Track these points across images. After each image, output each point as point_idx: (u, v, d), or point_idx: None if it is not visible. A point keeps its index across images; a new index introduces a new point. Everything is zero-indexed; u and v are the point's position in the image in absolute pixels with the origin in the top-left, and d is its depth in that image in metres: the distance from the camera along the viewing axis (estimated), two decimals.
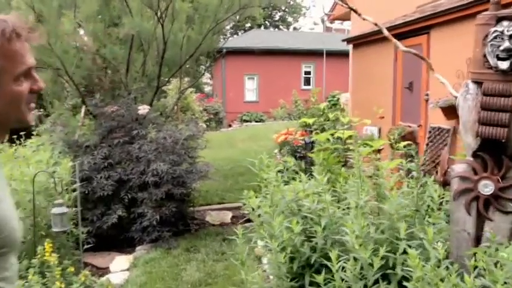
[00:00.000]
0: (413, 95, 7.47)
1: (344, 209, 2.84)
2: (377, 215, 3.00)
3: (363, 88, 9.30)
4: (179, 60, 8.21)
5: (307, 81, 26.44)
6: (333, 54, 24.49)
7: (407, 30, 7.22)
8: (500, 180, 3.00)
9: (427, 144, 6.80)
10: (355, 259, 2.39)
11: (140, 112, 6.82)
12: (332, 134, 4.13)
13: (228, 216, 7.80)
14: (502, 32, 2.85)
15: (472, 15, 5.98)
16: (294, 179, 3.28)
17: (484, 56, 2.94)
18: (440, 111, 6.27)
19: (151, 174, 6.07)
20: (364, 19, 3.61)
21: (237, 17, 9.59)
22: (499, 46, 2.84)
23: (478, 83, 3.02)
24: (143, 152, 6.27)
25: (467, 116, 3.08)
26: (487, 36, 2.91)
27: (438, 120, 6.59)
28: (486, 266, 2.25)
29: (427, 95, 6.98)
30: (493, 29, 2.88)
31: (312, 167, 7.16)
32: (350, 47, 10.73)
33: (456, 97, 3.27)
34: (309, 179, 3.34)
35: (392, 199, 2.77)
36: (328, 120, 8.34)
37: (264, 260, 4.10)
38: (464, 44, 6.15)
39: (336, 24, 22.10)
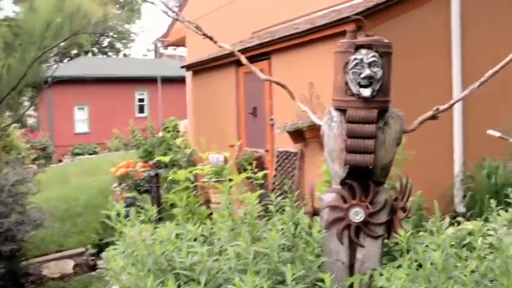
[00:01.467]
0: (257, 120, 7.52)
1: (223, 259, 2.53)
2: (253, 258, 2.73)
3: (206, 115, 9.16)
4: None
5: (141, 109, 25.74)
6: (168, 81, 24.23)
7: (248, 56, 7.26)
8: (369, 206, 2.99)
9: (276, 169, 6.86)
10: None
11: None
12: (191, 171, 3.82)
13: (69, 265, 6.98)
14: (361, 60, 2.85)
15: (307, 42, 6.23)
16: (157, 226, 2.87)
17: (346, 83, 2.91)
18: (286, 135, 6.37)
19: None
20: (220, 46, 3.40)
21: (62, 44, 8.78)
22: (360, 73, 2.83)
23: (342, 110, 2.98)
24: None
25: (334, 145, 3.02)
26: (347, 63, 2.89)
27: (284, 144, 6.69)
28: None
29: (272, 119, 7.07)
30: (353, 57, 2.87)
31: (160, 201, 6.74)
32: (188, 73, 10.58)
33: (320, 125, 3.20)
34: (173, 224, 2.97)
35: (271, 240, 2.54)
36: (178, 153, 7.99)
37: None
38: (303, 69, 6.36)
39: (169, 50, 21.95)
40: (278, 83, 3.37)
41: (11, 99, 8.66)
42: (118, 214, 2.86)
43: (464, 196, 5.32)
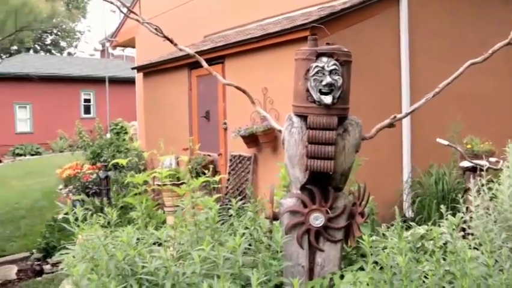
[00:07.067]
0: (210, 124, 7.50)
1: (187, 263, 2.51)
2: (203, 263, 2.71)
3: (158, 118, 9.04)
4: None
5: (87, 110, 25.03)
6: (115, 82, 23.70)
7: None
8: (328, 211, 3.05)
9: (229, 173, 6.86)
10: None
11: None
12: (149, 175, 3.76)
13: (12, 271, 6.66)
14: (322, 68, 2.90)
15: (262, 48, 6.28)
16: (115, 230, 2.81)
17: (307, 90, 2.95)
18: (240, 139, 6.39)
19: None
20: (180, 49, 3.38)
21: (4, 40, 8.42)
22: (321, 81, 2.88)
23: (302, 116, 3.03)
24: None
25: (294, 150, 3.05)
26: (308, 70, 2.93)
27: (237, 148, 6.71)
28: None
29: (225, 123, 7.08)
30: (314, 64, 2.91)
31: (111, 204, 6.60)
32: (139, 75, 10.41)
33: (280, 130, 3.24)
34: (132, 228, 2.92)
35: (236, 245, 2.55)
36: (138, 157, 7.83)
37: None
38: (257, 74, 6.40)
39: (117, 51, 21.45)
40: (239, 88, 3.38)
41: None
42: (76, 218, 2.79)
43: (413, 201, 5.53)
